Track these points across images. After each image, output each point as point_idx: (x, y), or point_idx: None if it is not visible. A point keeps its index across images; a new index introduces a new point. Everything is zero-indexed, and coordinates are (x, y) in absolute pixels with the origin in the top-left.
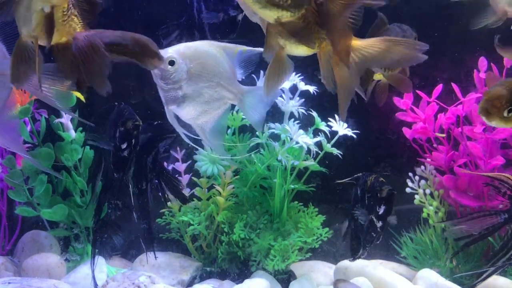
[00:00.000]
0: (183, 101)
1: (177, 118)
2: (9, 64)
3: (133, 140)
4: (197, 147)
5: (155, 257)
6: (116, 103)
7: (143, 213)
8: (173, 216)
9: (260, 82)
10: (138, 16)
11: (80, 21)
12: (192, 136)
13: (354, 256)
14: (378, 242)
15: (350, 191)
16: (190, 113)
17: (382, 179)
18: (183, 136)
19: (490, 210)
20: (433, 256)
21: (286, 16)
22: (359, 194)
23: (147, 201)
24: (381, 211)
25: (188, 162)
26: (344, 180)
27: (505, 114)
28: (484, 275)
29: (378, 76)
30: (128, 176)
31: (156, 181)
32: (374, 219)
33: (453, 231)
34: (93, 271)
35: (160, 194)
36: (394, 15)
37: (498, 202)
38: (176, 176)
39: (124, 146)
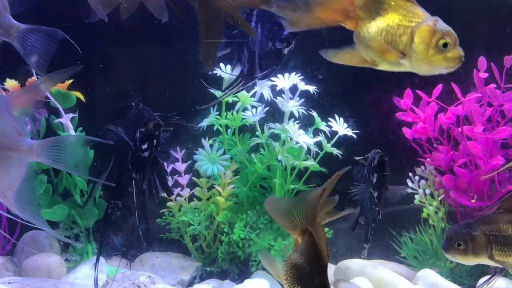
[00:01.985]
0: None
1: None
2: (23, 141)
3: (155, 141)
4: None
5: (144, 244)
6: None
7: (143, 212)
8: (173, 216)
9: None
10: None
11: None
12: None
13: (366, 240)
14: (380, 217)
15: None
16: None
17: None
18: None
19: None
20: (433, 256)
21: None
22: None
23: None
24: (374, 179)
25: (188, 162)
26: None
27: None
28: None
29: None
30: (141, 175)
31: (151, 174)
32: (372, 191)
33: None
34: (96, 272)
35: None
36: None
37: None
38: (176, 176)
39: (144, 146)
